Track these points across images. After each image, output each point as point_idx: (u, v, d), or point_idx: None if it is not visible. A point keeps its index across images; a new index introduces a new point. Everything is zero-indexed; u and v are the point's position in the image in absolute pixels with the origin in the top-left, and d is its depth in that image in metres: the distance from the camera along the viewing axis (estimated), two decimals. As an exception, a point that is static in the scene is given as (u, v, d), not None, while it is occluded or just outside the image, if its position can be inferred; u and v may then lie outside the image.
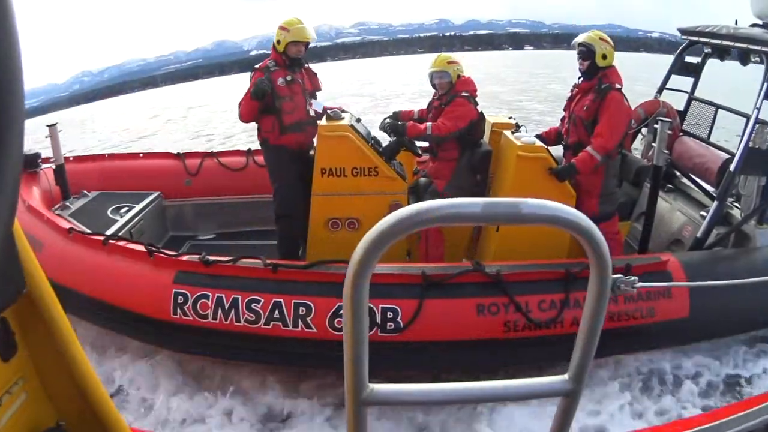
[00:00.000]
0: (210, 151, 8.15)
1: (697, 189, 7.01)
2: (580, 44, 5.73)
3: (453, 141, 6.00)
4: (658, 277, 5.18)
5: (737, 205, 6.27)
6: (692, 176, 7.10)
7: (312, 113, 6.29)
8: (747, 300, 5.38)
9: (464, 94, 5.98)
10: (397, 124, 6.04)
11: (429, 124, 5.97)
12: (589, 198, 5.76)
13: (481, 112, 6.13)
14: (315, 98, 6.47)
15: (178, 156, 7.97)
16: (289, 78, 6.17)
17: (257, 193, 7.36)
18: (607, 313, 4.11)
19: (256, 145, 7.21)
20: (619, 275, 1.90)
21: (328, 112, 6.04)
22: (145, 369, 5.41)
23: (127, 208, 6.90)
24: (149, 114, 28.98)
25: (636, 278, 1.33)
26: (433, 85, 6.19)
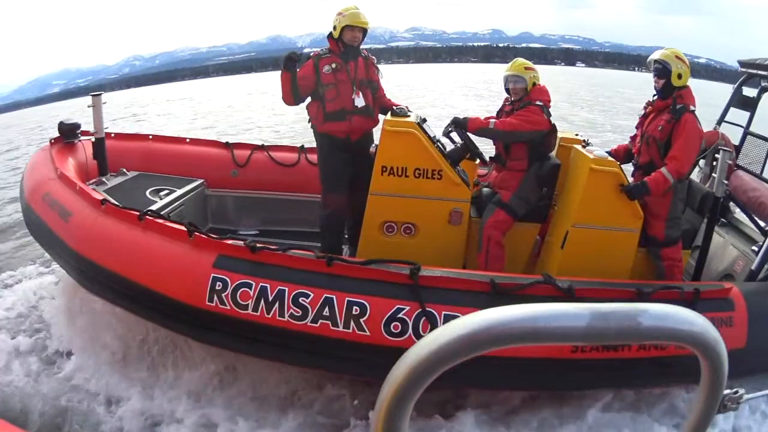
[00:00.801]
0: (261, 144, 7.60)
1: (750, 225, 6.64)
2: (655, 61, 5.29)
3: (523, 150, 5.56)
4: (722, 304, 4.81)
5: None
6: (746, 211, 6.70)
7: (358, 104, 5.86)
8: None
9: (538, 102, 5.50)
10: (459, 117, 5.59)
11: (493, 120, 5.54)
12: (656, 221, 5.34)
13: (554, 124, 5.63)
14: (372, 89, 6.03)
15: (226, 145, 7.42)
16: (334, 65, 5.82)
17: (307, 192, 6.80)
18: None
19: (306, 143, 7.05)
20: (727, 391, 1.37)
21: (394, 108, 5.62)
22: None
23: (167, 191, 6.37)
24: (199, 103, 28.82)
25: (743, 391, 1.04)
26: (507, 90, 5.73)
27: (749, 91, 7.20)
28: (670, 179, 5.06)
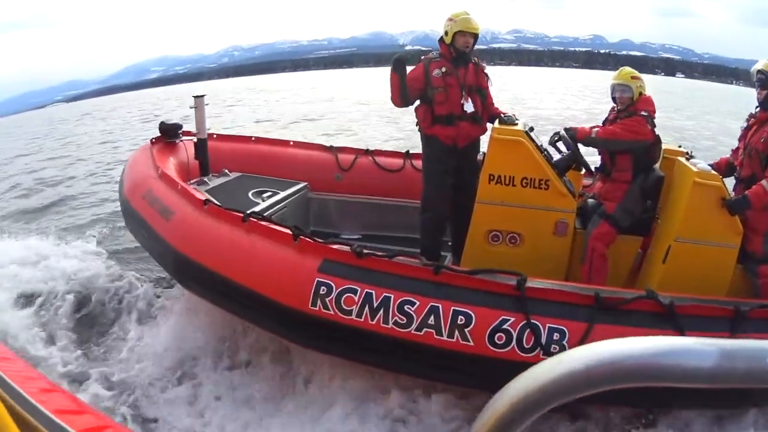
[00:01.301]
0: (366, 148, 7.67)
1: None
2: (759, 71, 5.12)
3: (628, 161, 5.49)
4: None
5: None
6: None
7: (467, 110, 5.85)
8: None
9: (643, 113, 5.41)
10: (567, 128, 5.61)
11: (596, 128, 5.53)
12: (755, 236, 5.16)
13: (658, 135, 5.54)
14: (481, 96, 6.00)
15: (330, 149, 7.51)
16: (444, 69, 5.81)
17: (411, 198, 6.75)
18: None
19: (410, 148, 7.14)
20: None
21: (502, 116, 5.62)
22: None
23: (270, 194, 6.45)
24: (301, 98, 29.12)
25: None
26: (614, 98, 5.65)
27: None
28: None
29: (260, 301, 4.57)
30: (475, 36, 5.90)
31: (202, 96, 6.56)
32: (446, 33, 5.83)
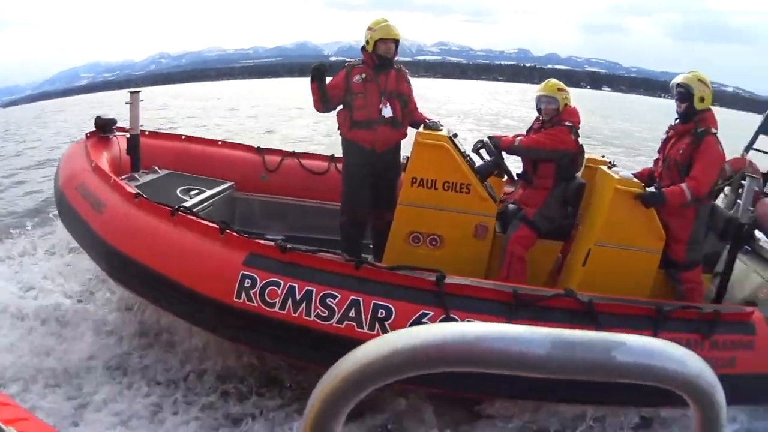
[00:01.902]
0: (292, 150, 7.85)
1: None
2: (678, 85, 5.41)
3: (550, 169, 5.72)
4: (743, 328, 4.93)
5: None
6: None
7: (385, 114, 6.03)
8: None
9: (567, 123, 5.68)
10: (491, 136, 5.82)
11: (520, 137, 5.75)
12: (677, 244, 5.45)
13: (581, 145, 5.81)
14: (402, 101, 6.18)
15: (258, 150, 7.66)
16: (364, 76, 6.03)
17: (335, 201, 6.88)
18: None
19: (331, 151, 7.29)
20: None
21: (427, 121, 5.80)
22: None
23: (197, 191, 6.55)
24: (224, 105, 29.05)
25: None
26: (539, 110, 5.88)
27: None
28: (687, 195, 5.17)
29: (187, 294, 4.66)
30: (396, 42, 6.09)
31: (138, 92, 6.64)
32: (367, 42, 6.06)
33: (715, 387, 0.83)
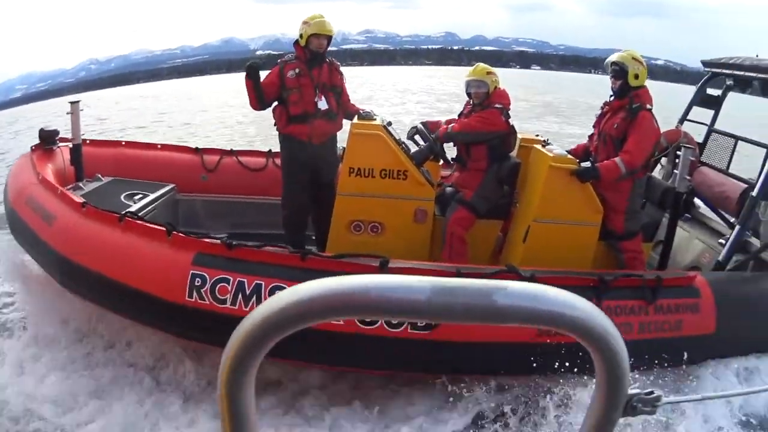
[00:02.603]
0: (230, 149, 8.01)
1: (715, 219, 7.00)
2: (613, 63, 5.73)
3: (482, 151, 5.98)
4: (686, 291, 5.22)
5: (755, 238, 6.18)
6: (711, 205, 7.09)
7: (320, 107, 6.25)
8: None
9: (497, 105, 5.94)
10: (425, 123, 6.14)
11: (452, 124, 5.99)
12: (615, 215, 5.75)
13: (513, 126, 6.07)
14: (336, 94, 6.41)
15: (196, 151, 7.82)
16: (298, 71, 6.22)
17: (275, 196, 7.05)
18: (636, 324, 3.90)
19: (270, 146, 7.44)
20: (637, 391, 1.04)
21: (361, 112, 6.05)
22: None
23: (140, 196, 6.68)
24: (153, 108, 28.86)
25: (660, 395, 0.82)
26: (468, 94, 6.15)
27: (713, 92, 7.64)
28: (621, 168, 5.47)
29: (140, 297, 4.82)
30: (329, 37, 6.31)
31: (77, 102, 6.72)
32: (301, 36, 6.23)
33: (608, 330, 0.84)
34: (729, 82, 7.33)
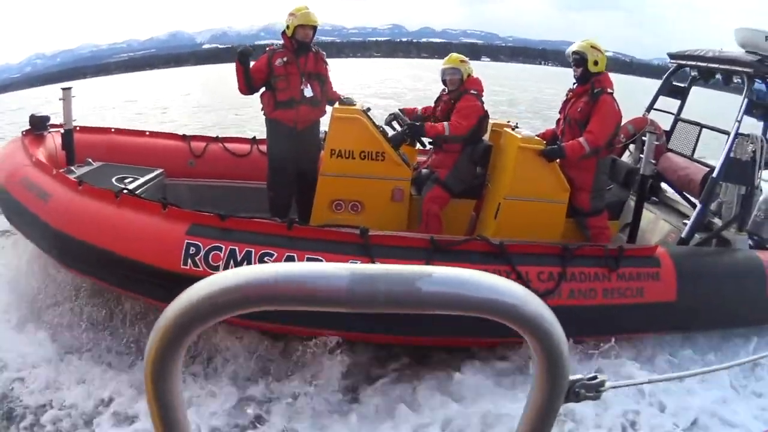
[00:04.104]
0: (216, 135, 8.52)
1: (681, 201, 7.61)
2: (573, 52, 6.36)
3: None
4: (647, 261, 5.74)
5: (718, 218, 6.74)
6: (677, 188, 7.69)
7: (306, 94, 6.79)
8: (731, 293, 5.96)
9: (473, 91, 6.57)
10: (415, 124, 6.55)
11: (446, 124, 6.50)
12: (581, 193, 6.31)
13: (486, 111, 6.65)
14: (320, 81, 6.96)
15: (183, 137, 8.35)
16: (285, 59, 6.78)
17: (260, 180, 7.64)
18: (600, 290, 4.64)
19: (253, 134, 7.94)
20: (579, 376, 1.09)
21: (342, 98, 6.65)
22: None
23: (131, 179, 7.02)
24: (101, 103, 28.90)
25: (604, 379, 1.08)
26: (444, 81, 6.78)
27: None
28: (585, 147, 6.06)
29: (137, 268, 5.25)
30: (314, 28, 6.88)
31: (70, 88, 7.11)
32: (288, 27, 6.83)
33: (544, 316, 0.85)
34: (693, 73, 7.82)
